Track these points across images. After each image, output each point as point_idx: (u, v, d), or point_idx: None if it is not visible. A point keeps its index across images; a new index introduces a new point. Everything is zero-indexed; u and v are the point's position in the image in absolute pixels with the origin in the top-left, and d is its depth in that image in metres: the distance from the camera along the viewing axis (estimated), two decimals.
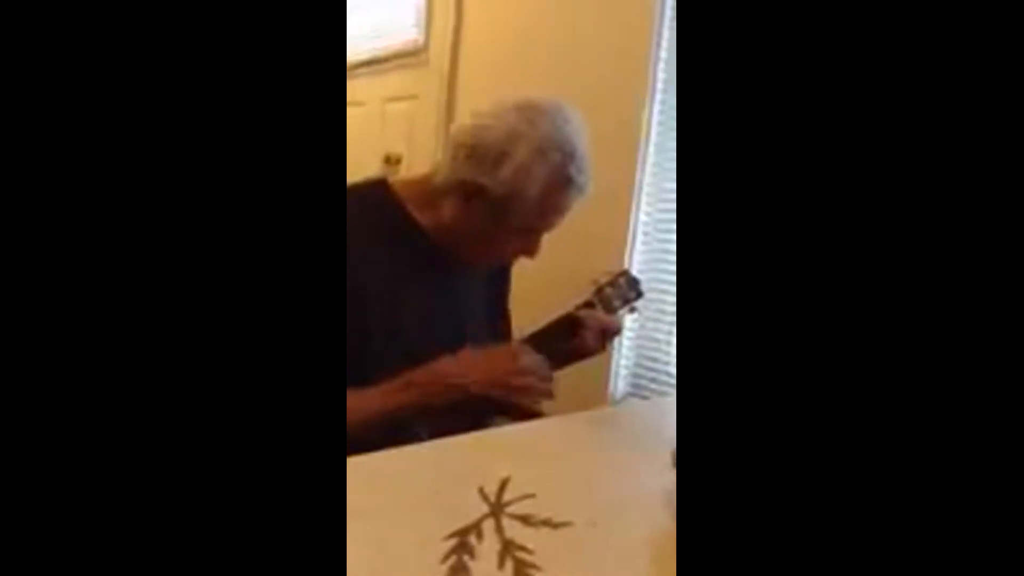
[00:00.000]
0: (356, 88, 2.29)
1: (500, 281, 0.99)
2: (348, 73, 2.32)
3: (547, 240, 0.86)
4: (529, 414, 0.89)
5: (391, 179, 0.89)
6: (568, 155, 0.75)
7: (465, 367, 0.77)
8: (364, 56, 2.23)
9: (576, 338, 0.90)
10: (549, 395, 0.80)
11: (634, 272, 1.42)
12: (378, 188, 0.85)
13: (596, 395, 1.37)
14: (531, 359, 0.79)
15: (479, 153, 0.74)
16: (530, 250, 0.84)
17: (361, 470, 0.59)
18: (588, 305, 0.92)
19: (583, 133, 0.78)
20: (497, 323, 0.99)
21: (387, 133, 2.11)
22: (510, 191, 0.74)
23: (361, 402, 0.73)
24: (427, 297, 0.84)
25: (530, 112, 0.75)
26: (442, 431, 0.71)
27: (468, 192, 0.76)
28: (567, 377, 0.98)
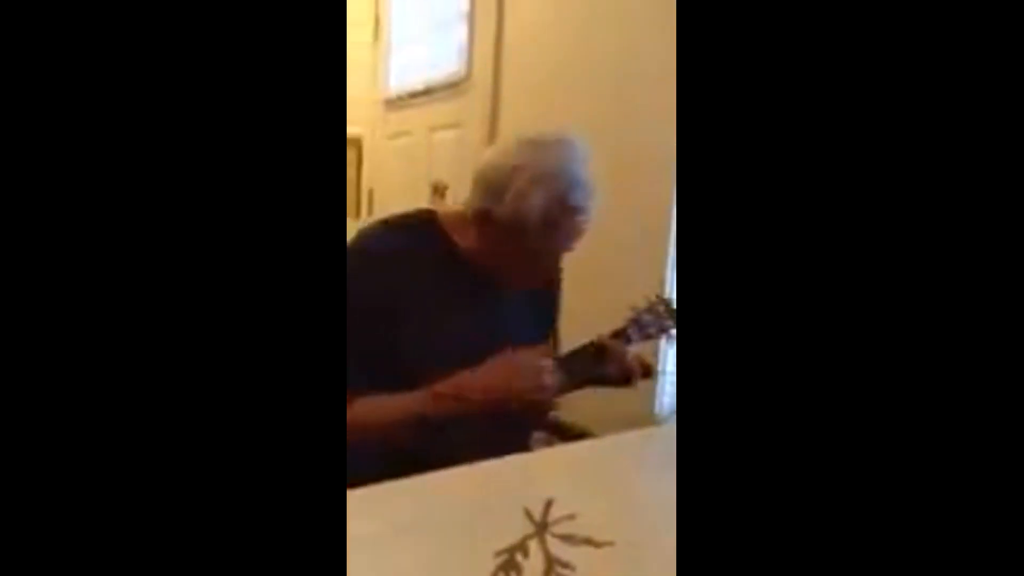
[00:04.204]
0: (405, 119, 2.38)
1: (546, 302, 1.04)
2: (397, 104, 2.41)
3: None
4: (572, 432, 0.91)
5: (440, 210, 0.96)
6: (568, 182, 0.83)
7: (483, 376, 0.82)
8: (411, 88, 2.31)
9: (602, 367, 0.95)
10: (549, 408, 0.87)
11: (671, 289, 1.42)
12: (426, 217, 0.94)
13: (642, 414, 1.38)
14: (543, 372, 0.82)
15: (489, 185, 0.85)
16: (552, 270, 0.93)
17: (412, 490, 0.63)
18: (622, 331, 0.95)
19: (588, 162, 0.86)
20: (542, 343, 1.02)
21: (434, 161, 2.18)
22: (512, 215, 0.83)
23: (385, 406, 0.81)
24: (472, 320, 0.90)
25: (532, 146, 0.85)
26: (477, 437, 0.75)
27: (482, 219, 0.86)
28: (612, 397, 1.00)
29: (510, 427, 0.88)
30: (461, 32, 2.05)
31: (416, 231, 0.90)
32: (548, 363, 0.84)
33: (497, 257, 0.89)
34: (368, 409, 0.80)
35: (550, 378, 0.83)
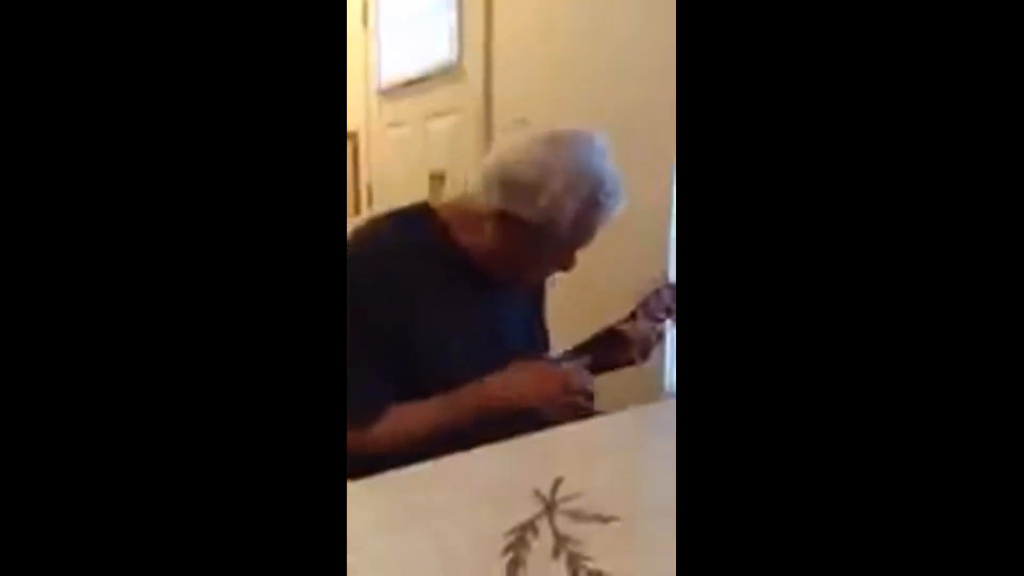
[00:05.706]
0: (398, 109, 2.38)
1: (537, 296, 1.05)
2: (390, 94, 2.41)
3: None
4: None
5: (435, 202, 0.94)
6: (597, 182, 0.81)
7: (515, 384, 0.83)
8: (403, 77, 2.31)
9: (620, 351, 0.96)
10: (591, 412, 0.86)
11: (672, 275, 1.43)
12: (423, 212, 0.92)
13: (650, 390, 1.39)
14: (579, 380, 0.84)
15: (515, 187, 0.81)
16: (566, 266, 0.91)
17: (427, 475, 0.65)
18: (632, 317, 0.96)
19: (609, 155, 0.83)
20: (536, 336, 1.04)
21: (431, 149, 2.18)
22: (545, 219, 0.81)
23: (418, 415, 0.81)
24: (471, 315, 0.89)
25: (558, 145, 0.81)
26: (497, 439, 0.76)
27: (506, 221, 0.83)
28: (622, 373, 1.01)
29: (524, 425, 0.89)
30: (451, 17, 2.05)
31: (412, 227, 0.89)
32: (574, 367, 0.85)
33: (507, 257, 0.87)
34: (403, 419, 0.80)
35: (579, 381, 0.83)
